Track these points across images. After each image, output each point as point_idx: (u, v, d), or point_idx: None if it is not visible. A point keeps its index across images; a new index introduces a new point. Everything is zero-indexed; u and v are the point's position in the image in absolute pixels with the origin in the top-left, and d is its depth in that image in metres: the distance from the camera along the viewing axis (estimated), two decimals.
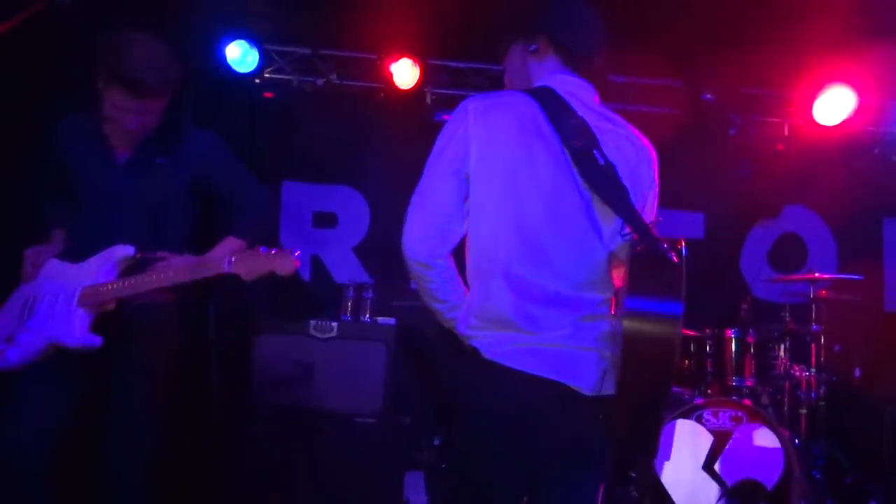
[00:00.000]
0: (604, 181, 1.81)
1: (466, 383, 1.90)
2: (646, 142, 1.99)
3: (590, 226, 1.85)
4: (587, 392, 1.81)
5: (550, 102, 1.90)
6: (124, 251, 2.76)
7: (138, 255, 2.77)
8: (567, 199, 1.85)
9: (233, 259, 2.61)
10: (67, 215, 2.92)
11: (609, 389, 1.82)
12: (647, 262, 1.69)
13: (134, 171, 2.84)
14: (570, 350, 1.81)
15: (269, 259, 2.58)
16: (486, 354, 1.84)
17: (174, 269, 2.71)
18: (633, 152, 1.93)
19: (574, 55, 2.00)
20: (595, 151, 1.83)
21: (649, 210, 1.96)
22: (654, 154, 1.98)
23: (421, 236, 1.88)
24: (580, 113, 1.90)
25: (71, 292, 2.75)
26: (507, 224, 1.84)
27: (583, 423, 1.82)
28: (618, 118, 2.00)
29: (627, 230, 1.76)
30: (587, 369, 1.81)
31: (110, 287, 2.71)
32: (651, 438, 1.77)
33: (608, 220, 1.85)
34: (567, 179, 1.85)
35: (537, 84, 2.00)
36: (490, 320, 1.85)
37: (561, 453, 1.85)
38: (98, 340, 2.70)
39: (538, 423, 1.82)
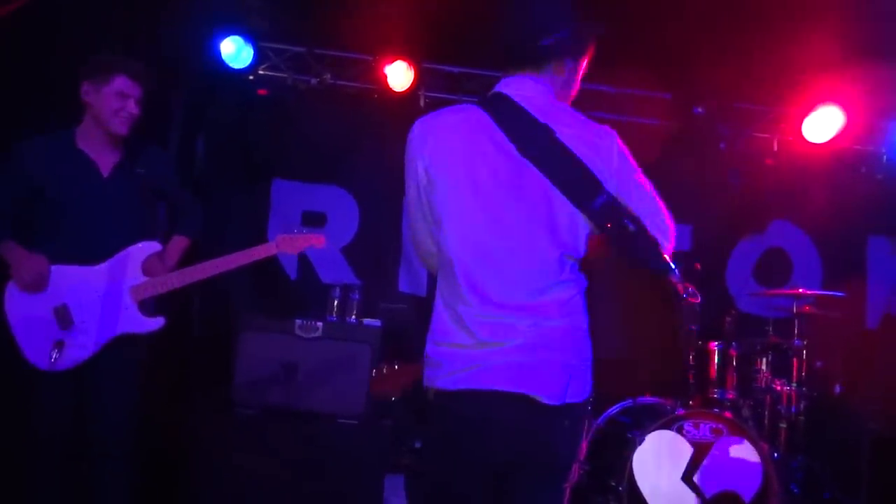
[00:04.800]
0: (564, 167, 1.82)
1: (430, 406, 1.93)
2: (592, 135, 1.90)
3: (543, 228, 1.83)
4: (552, 402, 1.80)
5: (502, 109, 1.89)
6: (152, 248, 3.07)
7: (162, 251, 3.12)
8: (515, 206, 1.84)
9: (275, 243, 3.23)
10: (52, 228, 3.00)
11: (574, 398, 1.82)
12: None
13: (118, 180, 3.06)
14: (533, 361, 1.80)
15: (305, 238, 3.29)
16: (441, 385, 1.87)
17: (225, 258, 3.08)
18: (578, 147, 1.86)
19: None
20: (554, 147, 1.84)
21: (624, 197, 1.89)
22: (601, 146, 1.88)
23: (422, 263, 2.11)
24: (534, 114, 1.87)
25: (117, 290, 2.97)
26: (461, 238, 1.87)
27: (548, 431, 1.82)
28: (565, 116, 1.93)
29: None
30: (552, 379, 1.80)
31: (163, 281, 3.04)
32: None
33: (566, 215, 1.83)
34: (517, 183, 1.84)
35: (494, 90, 1.97)
36: (450, 331, 1.87)
37: (527, 460, 1.84)
38: (162, 320, 3.05)
39: (503, 432, 1.82)
